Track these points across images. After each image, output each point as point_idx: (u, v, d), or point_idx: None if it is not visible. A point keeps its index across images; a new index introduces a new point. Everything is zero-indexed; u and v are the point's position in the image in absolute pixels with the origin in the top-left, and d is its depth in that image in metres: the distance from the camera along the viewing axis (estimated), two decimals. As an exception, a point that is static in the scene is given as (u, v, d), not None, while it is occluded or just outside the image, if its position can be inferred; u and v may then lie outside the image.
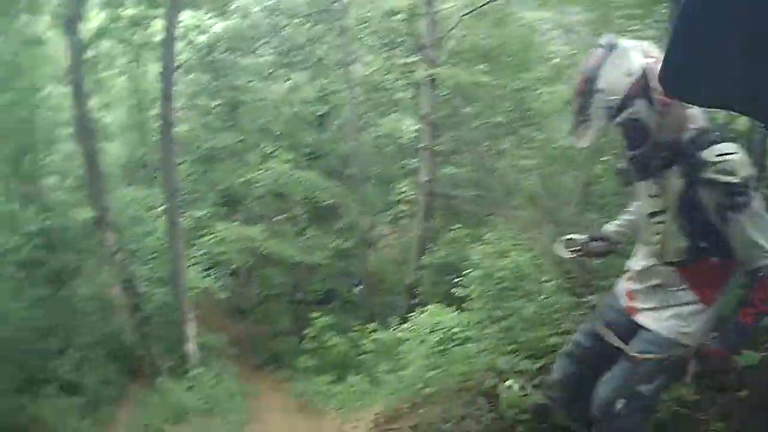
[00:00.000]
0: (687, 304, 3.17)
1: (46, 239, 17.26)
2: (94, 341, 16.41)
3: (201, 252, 19.45)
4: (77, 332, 16.23)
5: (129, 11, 19.14)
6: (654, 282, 3.28)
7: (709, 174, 2.88)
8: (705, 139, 2.99)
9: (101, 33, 18.91)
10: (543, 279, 8.51)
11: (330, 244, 21.61)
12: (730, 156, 2.89)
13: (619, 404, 3.22)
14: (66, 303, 17.06)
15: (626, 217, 3.77)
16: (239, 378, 17.44)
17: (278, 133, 23.56)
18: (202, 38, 23.06)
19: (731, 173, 2.87)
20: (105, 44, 20.38)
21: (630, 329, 3.38)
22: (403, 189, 22.16)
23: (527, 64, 18.17)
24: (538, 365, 5.05)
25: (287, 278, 22.17)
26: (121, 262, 15.45)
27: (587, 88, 2.98)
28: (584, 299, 5.77)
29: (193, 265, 18.70)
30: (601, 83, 2.95)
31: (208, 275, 19.17)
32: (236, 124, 22.80)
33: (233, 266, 21.77)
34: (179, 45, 19.45)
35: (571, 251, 3.79)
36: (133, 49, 21.71)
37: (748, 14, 1.41)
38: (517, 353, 5.57)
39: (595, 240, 3.70)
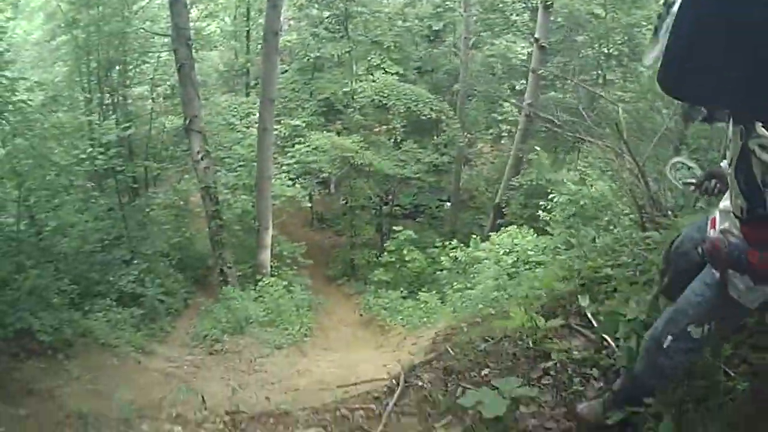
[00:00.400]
0: None
1: (125, 149, 17.30)
2: (162, 251, 16.35)
3: (292, 161, 19.42)
4: (146, 242, 16.13)
5: None
6: (725, 226, 3.10)
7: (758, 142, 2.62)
8: None
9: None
10: (623, 212, 8.29)
11: (425, 159, 21.39)
12: None
13: (667, 340, 3.14)
14: (138, 212, 17.16)
15: None
16: (310, 289, 17.28)
17: (388, 46, 23.12)
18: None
19: None
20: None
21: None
22: (507, 110, 21.86)
23: (641, 1, 17.52)
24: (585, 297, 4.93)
25: (376, 190, 22.18)
26: (205, 170, 14.92)
27: (665, 7, 2.77)
28: (648, 235, 5.54)
29: (282, 173, 18.68)
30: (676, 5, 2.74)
31: (295, 184, 19.10)
32: (346, 35, 22.27)
33: (323, 176, 21.86)
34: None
35: (684, 183, 3.61)
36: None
37: (746, 15, 1.44)
38: (569, 280, 5.46)
39: (713, 177, 3.48)
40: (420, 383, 4.63)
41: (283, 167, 19.01)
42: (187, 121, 14.67)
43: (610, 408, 3.51)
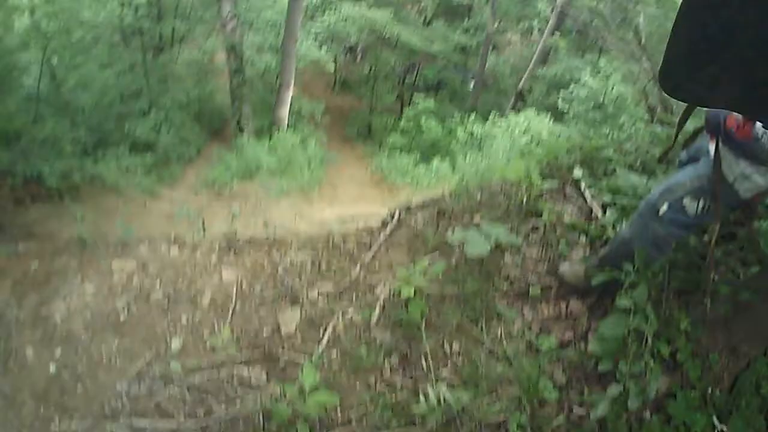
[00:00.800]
0: None
1: (154, 8, 17.19)
2: (181, 103, 16.48)
3: (321, 27, 19.26)
4: (166, 95, 16.22)
5: None
6: None
7: None
8: None
9: None
10: (639, 116, 8.36)
11: (453, 38, 21.04)
12: None
13: (663, 208, 3.26)
14: (161, 68, 17.18)
15: None
16: (325, 146, 17.42)
17: None
18: None
19: None
20: None
21: None
22: (539, 9, 21.41)
23: None
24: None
25: (402, 61, 21.97)
26: (231, 31, 15.08)
27: None
28: (654, 130, 5.66)
29: (309, 38, 18.57)
30: None
31: (322, 48, 18.89)
32: None
33: (350, 44, 21.57)
34: None
35: None
36: None
37: (747, 14, 1.40)
38: (572, 153, 5.59)
39: None
40: (413, 223, 4.86)
41: (311, 32, 18.91)
42: None
43: (593, 271, 3.68)
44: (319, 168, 15.30)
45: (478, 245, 3.90)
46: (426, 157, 16.92)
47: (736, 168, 2.99)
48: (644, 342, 2.98)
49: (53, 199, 9.24)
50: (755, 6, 1.40)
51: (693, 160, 3.39)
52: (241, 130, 15.80)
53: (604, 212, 4.46)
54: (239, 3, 16.10)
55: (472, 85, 24.07)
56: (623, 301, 3.18)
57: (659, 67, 1.61)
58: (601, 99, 11.30)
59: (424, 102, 18.84)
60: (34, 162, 9.25)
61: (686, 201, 3.15)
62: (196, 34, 18.98)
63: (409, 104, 20.24)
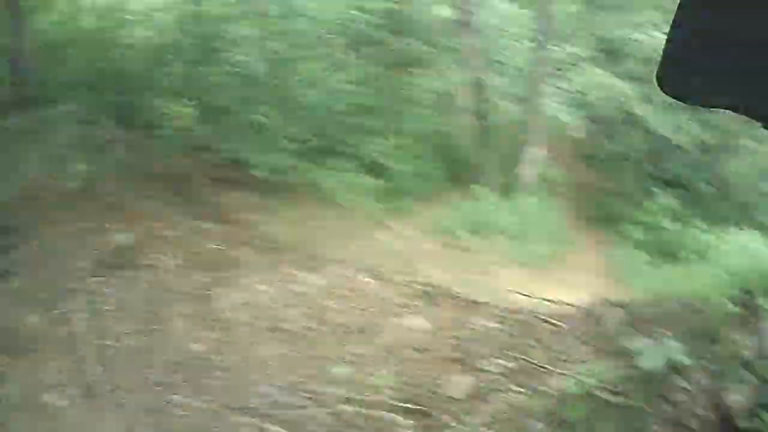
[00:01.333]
0: None
1: (392, 22, 16.71)
2: (421, 133, 15.88)
3: (568, 88, 18.13)
4: (403, 118, 15.70)
5: None
6: None
7: None
8: None
9: None
10: None
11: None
12: None
13: None
14: (399, 88, 16.64)
15: None
16: (566, 222, 16.51)
17: None
18: None
19: None
20: None
21: None
22: None
23: None
24: None
25: (648, 147, 20.93)
26: (475, 67, 14.79)
27: None
28: None
29: (555, 98, 17.61)
30: None
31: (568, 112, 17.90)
32: None
33: (598, 114, 20.88)
34: None
35: None
36: None
37: (748, 13, 1.36)
38: None
39: None
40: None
41: (557, 91, 18.02)
42: (460, 16, 14.83)
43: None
44: (559, 245, 14.46)
45: (652, 357, 3.64)
46: (666, 260, 15.47)
47: None
48: None
49: (260, 190, 9.13)
50: (754, 4, 1.38)
51: None
52: (477, 180, 15.27)
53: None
54: (484, 37, 15.80)
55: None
56: None
57: (657, 69, 1.56)
58: None
59: (663, 198, 17.74)
60: (237, 145, 8.99)
61: None
62: (437, 61, 18.40)
63: (652, 196, 19.11)
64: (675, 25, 1.48)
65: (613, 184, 20.86)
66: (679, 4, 1.44)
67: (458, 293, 5.01)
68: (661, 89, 1.57)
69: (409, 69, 18.15)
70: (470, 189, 14.94)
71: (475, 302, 4.93)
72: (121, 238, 5.20)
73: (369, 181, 12.66)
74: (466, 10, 14.60)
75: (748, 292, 4.78)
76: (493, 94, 16.89)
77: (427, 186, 15.19)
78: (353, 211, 11.17)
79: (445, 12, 18.01)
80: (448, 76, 17.89)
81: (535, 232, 13.79)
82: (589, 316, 4.55)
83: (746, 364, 3.94)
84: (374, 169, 13.57)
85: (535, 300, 5.97)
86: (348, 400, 3.65)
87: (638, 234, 16.94)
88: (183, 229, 5.36)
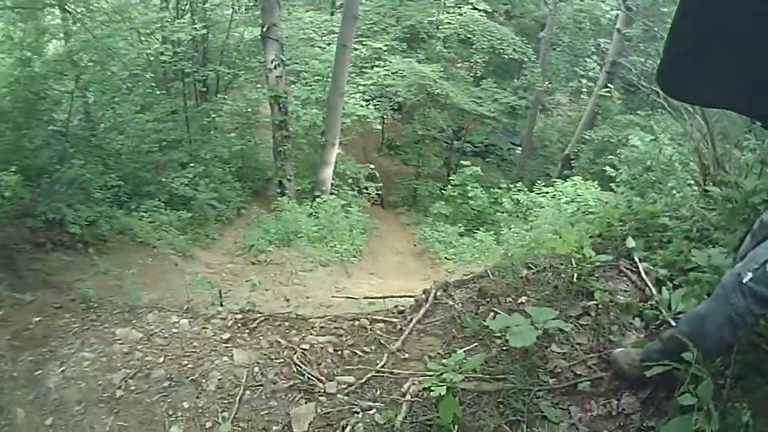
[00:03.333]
0: None
1: (198, 54, 17.00)
2: (222, 157, 16.11)
3: (369, 82, 18.71)
4: (206, 146, 15.90)
5: None
6: None
7: None
8: None
9: None
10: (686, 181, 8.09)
11: (503, 99, 20.66)
12: None
13: (747, 276, 2.72)
14: (203, 116, 16.80)
15: None
16: (368, 212, 16.69)
17: None
18: None
19: None
20: None
21: None
22: (590, 66, 21.09)
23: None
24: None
25: (450, 123, 21.58)
26: (276, 79, 14.61)
27: None
28: (709, 190, 5.07)
29: (356, 93, 18.12)
30: None
31: (369, 105, 18.35)
32: None
33: (397, 101, 21.20)
34: None
35: None
36: None
37: (745, 15, 1.38)
38: (625, 222, 5.03)
39: None
40: (450, 302, 4.27)
41: (359, 87, 18.49)
42: (265, 28, 14.40)
43: (650, 357, 3.11)
44: (360, 237, 14.49)
45: (522, 335, 3.31)
46: (471, 227, 16.25)
47: None
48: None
49: (76, 247, 8.72)
50: (752, 5, 1.38)
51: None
52: (282, 191, 15.22)
53: (659, 290, 3.84)
54: (288, 52, 15.89)
55: (518, 151, 23.68)
56: (684, 399, 2.71)
57: (657, 68, 1.59)
58: (650, 162, 10.77)
59: (470, 168, 18.17)
60: (57, 205, 8.74)
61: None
62: (241, 82, 18.69)
63: (456, 170, 19.71)
64: (674, 25, 1.49)
65: (421, 167, 21.41)
66: (679, 5, 1.46)
67: (279, 313, 4.59)
68: (661, 87, 1.63)
69: (218, 95, 18.15)
70: (273, 202, 14.93)
71: (298, 318, 4.48)
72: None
73: (175, 215, 12.53)
74: (271, 24, 14.32)
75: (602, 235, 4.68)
76: (296, 103, 16.98)
77: (230, 210, 15.34)
78: (164, 248, 10.88)
79: (252, 32, 18.17)
80: (253, 95, 17.89)
81: (338, 232, 13.72)
82: (435, 302, 4.20)
83: (626, 309, 3.78)
84: (180, 202, 13.55)
85: (364, 301, 5.65)
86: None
87: (446, 209, 17.39)
88: (6, 305, 4.67)
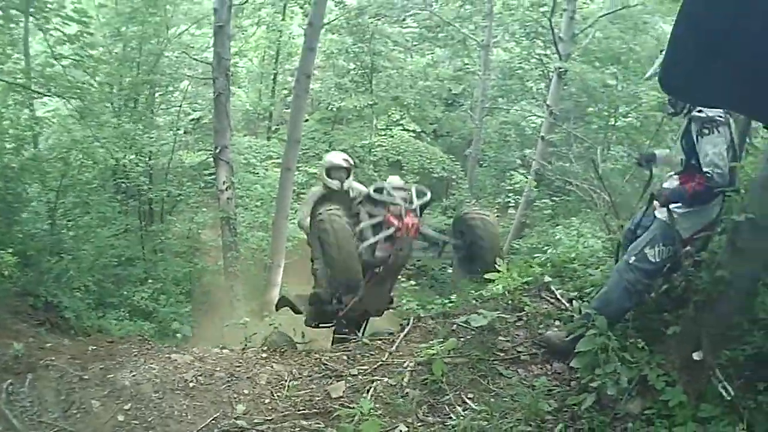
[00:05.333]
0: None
1: (154, 171, 18.12)
2: (176, 278, 16.87)
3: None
4: (160, 266, 16.74)
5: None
6: (668, 185, 4.89)
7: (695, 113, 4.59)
8: None
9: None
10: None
11: (432, 220, 21.73)
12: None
13: (632, 258, 4.80)
14: (154, 237, 17.70)
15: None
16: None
17: (408, 103, 24.33)
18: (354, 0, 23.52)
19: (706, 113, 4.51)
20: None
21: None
22: (517, 179, 22.68)
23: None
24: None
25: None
26: (227, 200, 15.66)
27: None
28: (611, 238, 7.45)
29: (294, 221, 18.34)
30: None
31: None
32: (369, 88, 23.33)
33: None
34: (330, 2, 19.62)
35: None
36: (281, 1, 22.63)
37: (746, 15, 1.47)
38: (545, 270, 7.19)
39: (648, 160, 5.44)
40: (424, 324, 6.24)
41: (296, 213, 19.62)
42: (217, 150, 15.60)
43: (573, 331, 4.98)
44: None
45: (479, 320, 5.31)
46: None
47: (677, 213, 4.72)
48: (609, 351, 4.31)
49: (70, 333, 9.03)
50: (753, 7, 1.47)
51: (638, 227, 5.17)
52: (232, 312, 15.70)
53: (571, 304, 5.91)
54: (235, 174, 16.87)
55: (450, 271, 25.03)
56: (591, 331, 4.54)
57: (659, 68, 1.82)
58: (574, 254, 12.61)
59: (405, 285, 19.44)
60: (55, 291, 9.46)
61: (647, 250, 4.79)
62: (187, 204, 19.43)
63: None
64: (677, 26, 1.57)
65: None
66: (681, 6, 1.54)
67: (299, 342, 6.66)
68: (663, 88, 1.75)
69: (166, 216, 19.20)
70: (225, 321, 15.38)
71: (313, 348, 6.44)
72: None
73: (138, 327, 13.14)
74: (223, 146, 15.60)
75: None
76: (243, 225, 18.27)
77: (185, 329, 15.23)
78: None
79: (197, 158, 19.73)
80: (201, 215, 18.91)
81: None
82: (414, 326, 6.25)
83: (548, 316, 5.93)
84: (144, 315, 14.44)
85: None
86: (258, 424, 4.77)
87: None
88: (51, 340, 6.10)
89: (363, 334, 7.30)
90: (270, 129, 26.07)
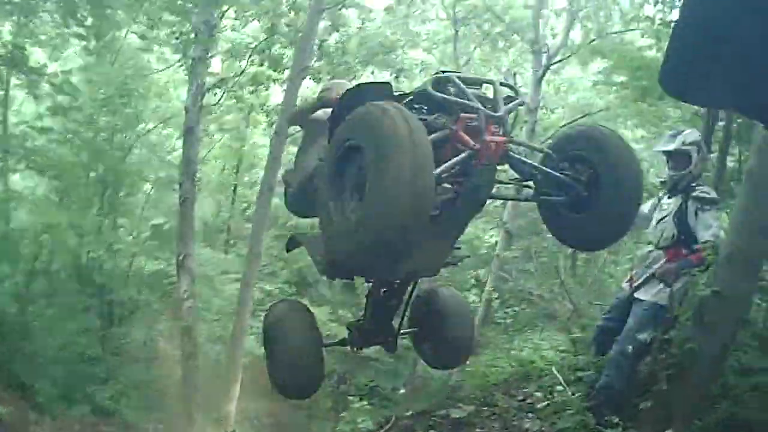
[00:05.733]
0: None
1: (112, 274, 18.02)
2: (134, 380, 16.84)
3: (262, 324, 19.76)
4: (121, 370, 16.72)
5: (252, 68, 19.34)
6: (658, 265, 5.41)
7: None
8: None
9: (221, 83, 19.12)
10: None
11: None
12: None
13: (628, 348, 5.21)
14: (117, 339, 17.87)
15: None
16: None
17: None
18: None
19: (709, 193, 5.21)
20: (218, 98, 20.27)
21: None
22: (471, 299, 22.85)
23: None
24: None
25: (337, 366, 23.05)
26: (188, 309, 15.68)
27: None
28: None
29: (252, 335, 18.86)
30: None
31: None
32: None
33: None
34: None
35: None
36: (246, 108, 22.66)
37: (746, 16, 1.48)
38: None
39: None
40: (404, 421, 6.45)
41: (253, 328, 19.12)
42: (181, 257, 15.63)
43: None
44: None
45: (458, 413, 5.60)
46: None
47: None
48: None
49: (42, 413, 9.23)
50: (753, 8, 1.48)
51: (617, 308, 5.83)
52: (192, 423, 15.96)
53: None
54: (199, 283, 16.96)
55: (402, 391, 24.93)
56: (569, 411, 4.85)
57: (660, 68, 1.73)
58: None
59: (358, 404, 19.60)
60: (33, 373, 9.36)
61: (639, 336, 5.27)
62: (151, 310, 19.45)
63: (345, 410, 21.00)
64: (678, 27, 1.59)
65: (310, 410, 22.77)
66: (682, 7, 1.59)
67: None
68: (664, 88, 1.76)
69: (123, 322, 18.97)
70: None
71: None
72: None
73: (109, 420, 13.65)
74: (187, 254, 15.63)
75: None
76: (201, 337, 18.00)
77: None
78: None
79: (155, 265, 19.67)
80: (160, 323, 19.26)
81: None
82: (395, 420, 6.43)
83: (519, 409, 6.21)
84: (107, 414, 14.38)
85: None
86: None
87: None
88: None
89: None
90: (227, 242, 26.04)
